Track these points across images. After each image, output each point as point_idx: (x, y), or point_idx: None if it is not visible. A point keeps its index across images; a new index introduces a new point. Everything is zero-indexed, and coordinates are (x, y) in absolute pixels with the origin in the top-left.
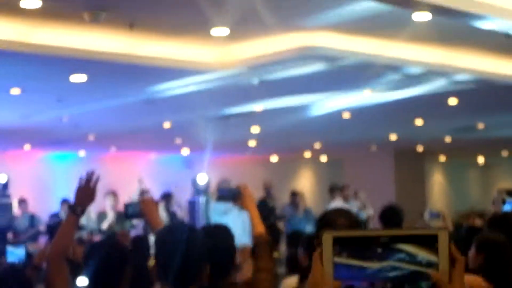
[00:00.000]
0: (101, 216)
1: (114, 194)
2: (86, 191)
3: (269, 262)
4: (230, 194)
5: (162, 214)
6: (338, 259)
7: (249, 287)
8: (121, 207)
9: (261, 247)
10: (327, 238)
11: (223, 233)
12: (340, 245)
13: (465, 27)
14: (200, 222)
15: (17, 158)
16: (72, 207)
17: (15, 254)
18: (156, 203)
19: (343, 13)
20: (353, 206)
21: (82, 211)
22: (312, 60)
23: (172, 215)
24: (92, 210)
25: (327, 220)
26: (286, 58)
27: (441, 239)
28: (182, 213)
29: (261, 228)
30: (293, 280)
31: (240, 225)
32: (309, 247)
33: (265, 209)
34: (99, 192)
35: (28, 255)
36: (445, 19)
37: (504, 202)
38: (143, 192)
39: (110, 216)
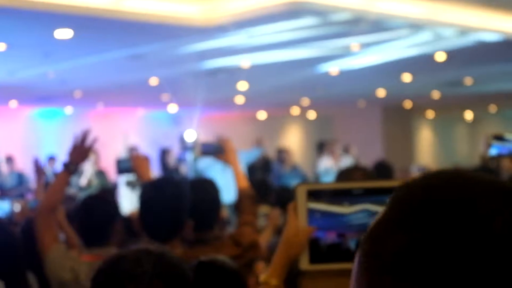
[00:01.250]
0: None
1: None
2: (80, 150)
3: (253, 216)
4: (213, 149)
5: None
6: (311, 205)
7: (233, 240)
8: (102, 165)
9: (245, 201)
10: (301, 190)
11: (207, 186)
12: (315, 197)
13: None
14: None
15: (3, 115)
16: (66, 164)
17: (0, 208)
18: (147, 159)
19: None
20: (343, 163)
21: (75, 169)
22: (299, 14)
23: (170, 171)
24: None
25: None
26: (273, 13)
27: None
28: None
29: (244, 183)
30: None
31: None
32: None
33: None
34: None
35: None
36: None
37: (490, 146)
38: (131, 149)
39: (88, 173)
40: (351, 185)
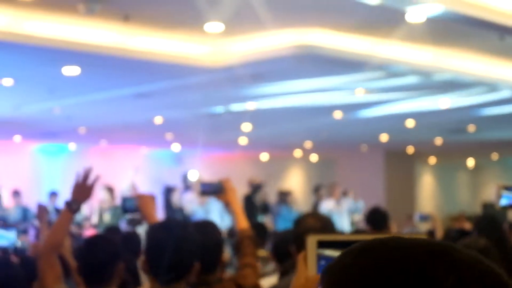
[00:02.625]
0: (98, 210)
1: (110, 189)
2: (83, 188)
3: (254, 258)
4: (213, 189)
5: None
6: (321, 251)
7: (235, 283)
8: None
9: (245, 242)
10: (312, 241)
11: (212, 229)
12: (325, 247)
13: (458, 28)
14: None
15: (7, 149)
16: (68, 203)
17: (6, 237)
18: (153, 198)
19: (338, 11)
20: (344, 205)
21: (78, 208)
22: (306, 58)
23: (174, 210)
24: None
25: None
26: (279, 56)
27: None
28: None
29: (244, 224)
30: (271, 279)
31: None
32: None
33: (251, 205)
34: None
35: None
36: (439, 21)
37: (501, 196)
38: (133, 186)
39: (107, 210)
40: (361, 237)
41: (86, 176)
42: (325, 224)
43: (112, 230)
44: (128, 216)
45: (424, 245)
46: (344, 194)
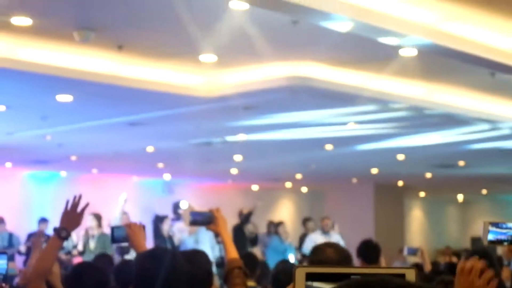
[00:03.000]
0: (86, 237)
1: (97, 216)
2: (72, 215)
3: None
4: (203, 218)
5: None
6: (309, 284)
7: None
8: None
9: (235, 272)
10: (300, 273)
11: (201, 259)
12: (314, 279)
13: (449, 63)
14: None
15: None
16: (57, 230)
17: None
18: (142, 227)
19: (331, 45)
20: (333, 237)
21: (67, 235)
22: (298, 90)
23: (164, 239)
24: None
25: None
26: (272, 87)
27: (408, 278)
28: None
29: (234, 253)
30: None
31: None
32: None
33: (241, 235)
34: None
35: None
36: (431, 56)
37: (488, 232)
38: (123, 213)
39: (81, 237)
40: (349, 270)
41: (75, 203)
42: (345, 257)
43: (103, 257)
44: (116, 245)
45: None
46: (332, 226)
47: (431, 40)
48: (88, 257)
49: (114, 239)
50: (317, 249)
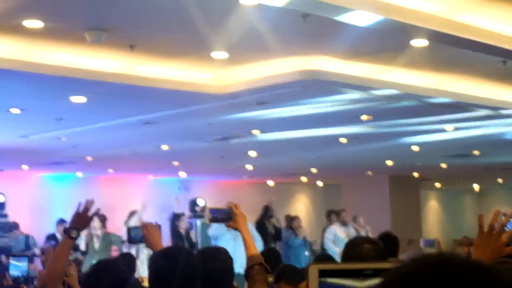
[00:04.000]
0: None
1: (102, 217)
2: (82, 217)
3: (264, 284)
4: (223, 215)
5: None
6: (324, 279)
7: None
8: (111, 229)
9: (256, 268)
10: (313, 270)
11: (221, 255)
12: (327, 276)
13: (461, 53)
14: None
15: (15, 178)
16: (68, 230)
17: (18, 267)
18: (158, 227)
19: (342, 38)
20: (351, 230)
21: (78, 235)
22: (310, 84)
23: (181, 237)
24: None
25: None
26: (284, 82)
27: None
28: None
29: (254, 250)
30: None
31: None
32: None
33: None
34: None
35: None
36: (443, 45)
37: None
38: (132, 213)
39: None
40: (362, 266)
41: (87, 207)
42: (379, 254)
43: (127, 255)
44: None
45: None
46: (354, 219)
47: (442, 30)
48: (92, 257)
49: (130, 240)
50: (353, 244)
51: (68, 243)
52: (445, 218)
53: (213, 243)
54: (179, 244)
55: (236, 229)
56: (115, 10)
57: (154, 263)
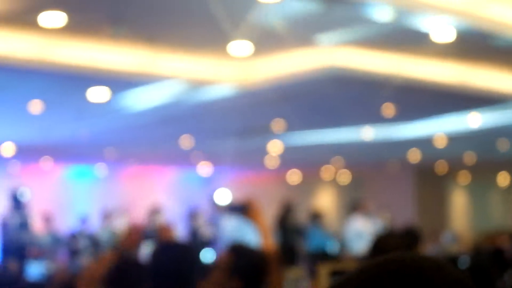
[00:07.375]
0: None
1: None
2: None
3: (279, 278)
4: (239, 209)
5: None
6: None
7: None
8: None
9: (270, 262)
10: (324, 271)
11: (247, 251)
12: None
13: (485, 45)
14: (220, 239)
15: (37, 174)
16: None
17: (36, 268)
18: (170, 229)
19: (364, 30)
20: (374, 221)
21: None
22: (333, 77)
23: (196, 232)
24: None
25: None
26: (306, 75)
27: None
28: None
29: (269, 244)
30: None
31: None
32: None
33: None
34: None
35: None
36: (467, 37)
37: None
38: (154, 211)
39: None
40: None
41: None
42: (405, 247)
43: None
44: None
45: None
46: (378, 211)
47: (469, 23)
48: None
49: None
50: (379, 240)
51: (113, 256)
52: (471, 211)
53: (232, 238)
54: (178, 241)
55: (252, 221)
56: (134, 4)
57: (154, 256)
